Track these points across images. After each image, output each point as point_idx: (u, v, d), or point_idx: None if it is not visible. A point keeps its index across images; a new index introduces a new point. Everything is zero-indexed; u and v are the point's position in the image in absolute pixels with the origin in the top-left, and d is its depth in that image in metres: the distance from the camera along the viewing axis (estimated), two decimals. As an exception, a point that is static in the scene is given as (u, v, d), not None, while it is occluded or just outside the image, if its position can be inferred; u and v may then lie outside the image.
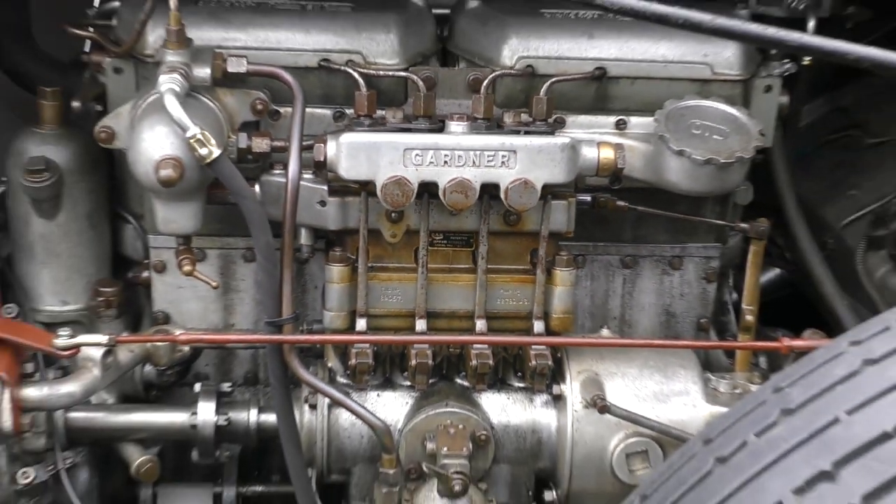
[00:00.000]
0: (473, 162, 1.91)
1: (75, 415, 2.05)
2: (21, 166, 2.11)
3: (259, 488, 2.28)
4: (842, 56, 1.72)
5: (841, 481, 0.97)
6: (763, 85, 2.14)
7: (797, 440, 1.04)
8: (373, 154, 1.90)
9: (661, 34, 2.11)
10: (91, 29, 2.21)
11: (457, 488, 1.92)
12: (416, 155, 1.91)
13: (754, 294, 2.16)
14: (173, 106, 1.80)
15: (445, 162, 1.91)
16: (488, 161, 1.92)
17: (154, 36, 2.01)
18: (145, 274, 2.23)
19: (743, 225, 2.18)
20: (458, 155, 1.91)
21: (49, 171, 2.06)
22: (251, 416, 2.09)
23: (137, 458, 2.09)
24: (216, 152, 1.80)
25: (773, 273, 2.73)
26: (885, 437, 0.98)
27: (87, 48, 2.31)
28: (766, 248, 2.22)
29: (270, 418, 2.08)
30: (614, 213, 2.15)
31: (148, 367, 2.17)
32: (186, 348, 2.12)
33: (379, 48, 2.08)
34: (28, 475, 1.98)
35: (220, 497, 2.24)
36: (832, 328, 2.36)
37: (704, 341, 2.24)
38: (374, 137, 1.91)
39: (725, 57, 2.11)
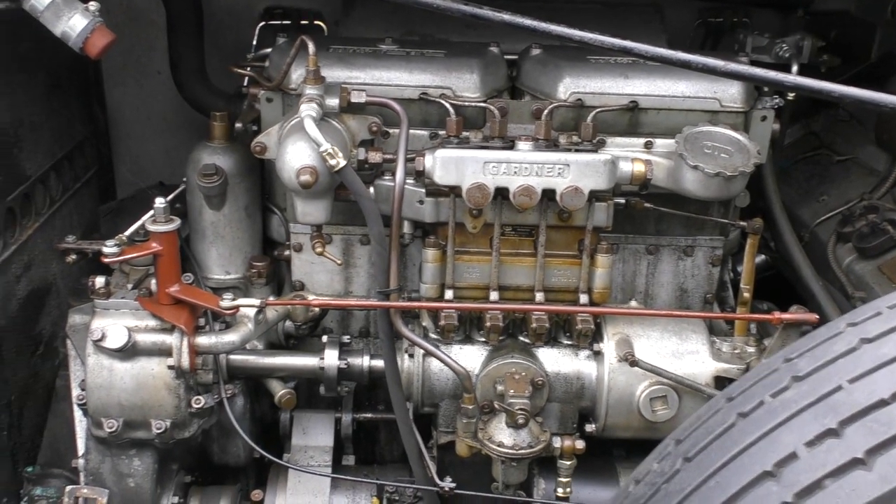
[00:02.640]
0: (536, 172, 1.83)
1: (234, 357, 2.01)
2: (197, 171, 2.07)
3: (369, 415, 2.22)
4: (825, 93, 1.62)
5: (846, 438, 0.89)
6: (760, 115, 2.03)
7: (806, 402, 0.96)
8: (460, 165, 1.83)
9: (680, 76, 2.01)
10: (248, 69, 2.18)
11: (520, 421, 1.86)
12: (493, 166, 1.83)
13: (751, 276, 2.06)
14: (311, 127, 1.75)
15: (515, 172, 1.83)
16: (548, 172, 1.84)
17: (296, 74, 1.96)
18: (287, 252, 2.18)
19: (742, 223, 2.08)
20: (525, 167, 1.83)
21: (217, 174, 2.02)
22: (364, 362, 2.03)
23: (279, 390, 2.04)
24: (342, 162, 1.75)
25: (760, 259, 2.61)
26: (882, 403, 0.90)
27: (245, 83, 2.27)
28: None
29: (379, 363, 2.02)
30: (641, 212, 2.05)
31: (288, 323, 2.12)
32: (317, 309, 2.08)
33: (464, 84, 2.00)
34: (200, 401, 1.94)
35: (340, 421, 2.19)
36: (808, 304, 2.24)
37: (712, 312, 2.13)
38: (461, 153, 1.84)
39: (731, 93, 2.00)
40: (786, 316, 1.86)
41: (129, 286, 1.97)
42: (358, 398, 2.20)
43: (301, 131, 1.79)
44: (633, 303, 2.10)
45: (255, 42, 2.70)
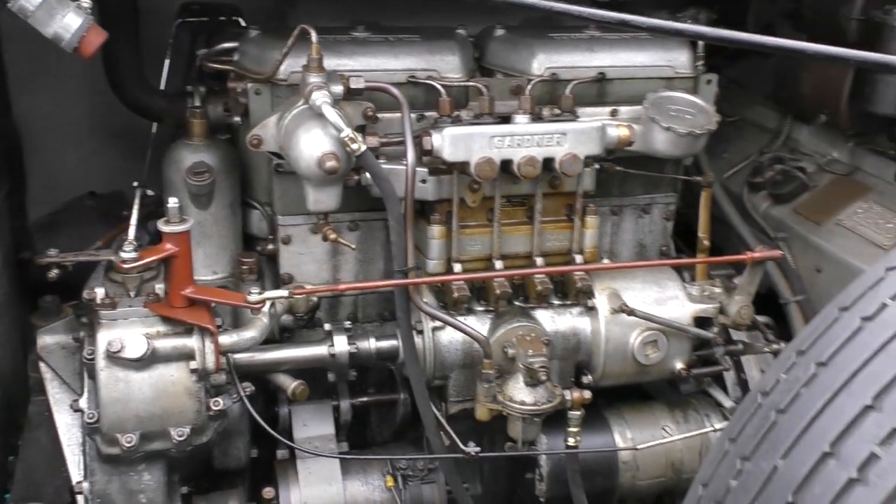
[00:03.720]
0: (537, 143, 1.95)
1: (240, 356, 1.97)
2: (180, 170, 2.01)
3: (365, 399, 2.24)
4: (766, 46, 1.83)
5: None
6: (706, 79, 2.25)
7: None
8: (468, 142, 1.91)
9: (639, 47, 2.19)
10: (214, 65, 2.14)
11: (542, 377, 1.96)
12: (498, 140, 1.92)
13: (707, 226, 2.27)
14: (331, 113, 1.76)
15: (518, 144, 1.93)
16: (547, 142, 1.95)
17: (285, 66, 1.95)
18: (270, 247, 2.16)
19: (698, 178, 2.29)
20: (527, 138, 1.94)
21: (209, 172, 1.97)
22: (371, 344, 2.05)
23: (290, 384, 2.02)
24: (364, 147, 1.78)
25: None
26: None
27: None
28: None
29: (385, 344, 2.05)
30: (608, 176, 2.21)
31: (285, 317, 2.10)
32: (315, 298, 2.08)
33: (448, 66, 2.07)
34: (218, 403, 1.89)
35: (339, 408, 2.20)
36: (738, 248, 2.50)
37: (690, 259, 2.31)
38: (469, 130, 1.92)
39: (682, 61, 2.21)
40: (755, 255, 2.09)
41: (132, 294, 1.88)
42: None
43: (313, 119, 1.79)
44: (605, 260, 2.26)
45: (171, 39, 2.63)
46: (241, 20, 2.66)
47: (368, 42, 2.07)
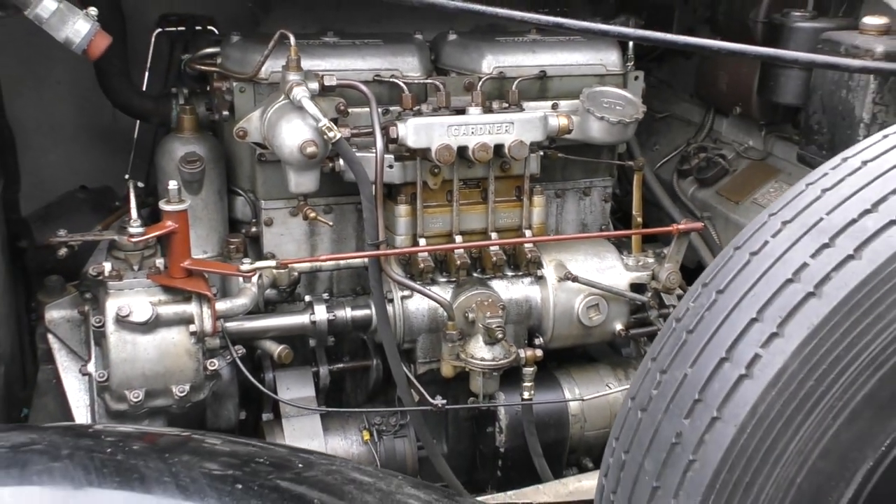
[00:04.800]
0: (489, 131, 2.23)
1: (230, 323, 2.21)
2: (173, 160, 2.25)
3: (341, 365, 2.49)
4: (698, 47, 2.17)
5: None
6: (633, 76, 2.56)
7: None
8: (429, 130, 2.19)
9: (574, 48, 2.49)
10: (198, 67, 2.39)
11: (500, 335, 2.23)
12: (455, 129, 2.20)
13: (640, 204, 2.58)
14: (310, 105, 2.03)
15: (472, 132, 2.22)
16: (497, 130, 2.24)
17: (266, 66, 2.21)
18: (254, 229, 2.40)
19: (630, 162, 2.61)
20: (479, 127, 2.22)
21: (199, 161, 2.22)
22: (347, 313, 2.30)
23: (276, 348, 2.25)
24: (339, 134, 2.05)
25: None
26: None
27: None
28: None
29: (359, 313, 2.31)
30: (553, 162, 2.51)
31: (269, 291, 2.34)
32: (296, 273, 2.33)
33: (409, 66, 2.35)
34: (214, 364, 2.14)
35: (318, 373, 2.44)
36: (666, 222, 2.82)
37: (624, 231, 2.60)
38: (430, 120, 2.20)
39: (612, 59, 2.51)
40: (681, 226, 2.39)
41: (136, 268, 2.12)
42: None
43: (293, 111, 2.06)
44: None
45: (151, 48, 2.88)
46: (215, 29, 2.93)
47: (338, 45, 2.34)
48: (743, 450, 1.38)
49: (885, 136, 1.53)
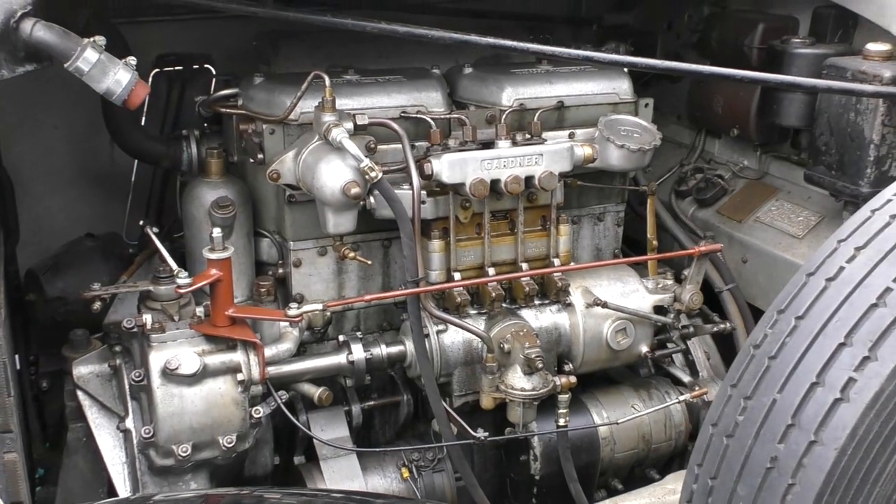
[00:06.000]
0: (520, 164, 2.25)
1: (270, 369, 2.17)
2: (202, 206, 2.21)
3: (372, 403, 2.47)
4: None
5: None
6: (644, 103, 2.61)
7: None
8: (463, 166, 2.19)
9: (588, 77, 2.52)
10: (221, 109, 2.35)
11: (539, 365, 2.24)
12: (487, 163, 2.22)
13: (654, 228, 2.63)
14: (351, 146, 2.02)
15: (504, 165, 2.24)
16: (527, 162, 2.26)
17: (296, 108, 2.19)
18: (280, 271, 2.37)
19: (644, 187, 2.66)
20: (511, 160, 2.24)
21: (233, 205, 2.18)
22: (383, 350, 2.29)
23: (315, 391, 2.22)
24: (381, 174, 2.04)
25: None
26: None
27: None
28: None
29: (393, 349, 2.29)
30: (570, 189, 2.54)
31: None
32: (329, 313, 2.30)
33: (432, 101, 2.35)
34: (259, 411, 2.10)
35: (350, 412, 2.42)
36: (674, 245, 2.89)
37: (650, 256, 2.62)
38: (463, 155, 2.21)
39: (624, 88, 2.56)
40: (701, 248, 2.45)
41: (177, 318, 2.06)
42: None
43: (331, 152, 2.05)
44: (572, 263, 2.58)
45: (149, 88, 2.81)
46: (212, 68, 2.88)
47: (362, 83, 2.33)
48: (844, 472, 1.42)
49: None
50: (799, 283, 1.59)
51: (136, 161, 2.93)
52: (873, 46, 2.36)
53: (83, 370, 2.20)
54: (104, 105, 2.52)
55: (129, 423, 2.08)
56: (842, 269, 1.54)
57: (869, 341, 1.43)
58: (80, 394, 2.18)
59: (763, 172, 2.98)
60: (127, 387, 2.11)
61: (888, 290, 1.45)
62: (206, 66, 2.89)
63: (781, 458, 1.47)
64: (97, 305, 2.11)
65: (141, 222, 2.44)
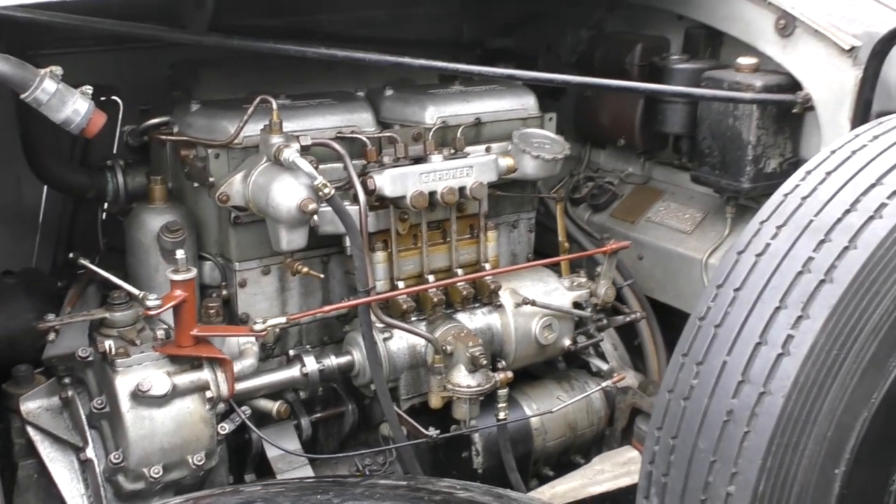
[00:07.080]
0: (453, 176, 2.42)
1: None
2: (149, 232, 2.23)
3: (320, 415, 2.55)
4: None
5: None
6: (548, 117, 2.84)
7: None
8: (404, 179, 2.34)
9: (500, 95, 2.72)
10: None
11: (484, 362, 2.40)
12: (425, 176, 2.37)
13: (565, 232, 2.86)
14: (305, 165, 2.12)
15: (440, 178, 2.39)
16: (459, 174, 2.43)
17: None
18: (224, 292, 2.41)
19: (553, 195, 2.88)
20: (445, 172, 2.41)
21: (182, 229, 2.22)
22: (332, 361, 2.39)
23: (272, 405, 2.28)
24: (332, 191, 2.15)
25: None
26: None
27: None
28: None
29: (342, 359, 2.39)
30: (491, 199, 2.72)
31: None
32: (278, 330, 2.36)
33: (364, 122, 2.48)
34: (224, 427, 2.14)
35: (300, 425, 2.48)
36: (573, 248, 3.13)
37: (571, 255, 2.83)
38: (403, 170, 2.35)
39: (531, 104, 2.78)
40: (611, 247, 2.70)
41: (139, 342, 2.08)
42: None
43: (283, 172, 2.14)
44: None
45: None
46: (118, 99, 2.88)
47: (296, 107, 2.42)
48: (790, 415, 1.66)
49: (833, 152, 1.90)
50: (732, 260, 1.84)
51: (44, 196, 2.89)
52: (743, 60, 2.70)
53: (31, 405, 2.16)
54: (24, 139, 2.49)
55: (90, 452, 2.07)
56: (768, 245, 1.79)
57: (801, 302, 1.68)
58: (30, 429, 2.14)
59: (647, 177, 3.28)
60: (84, 416, 2.10)
61: (810, 258, 1.72)
62: (112, 97, 2.88)
63: (736, 411, 1.70)
64: (51, 337, 2.09)
65: (71, 255, 2.42)
